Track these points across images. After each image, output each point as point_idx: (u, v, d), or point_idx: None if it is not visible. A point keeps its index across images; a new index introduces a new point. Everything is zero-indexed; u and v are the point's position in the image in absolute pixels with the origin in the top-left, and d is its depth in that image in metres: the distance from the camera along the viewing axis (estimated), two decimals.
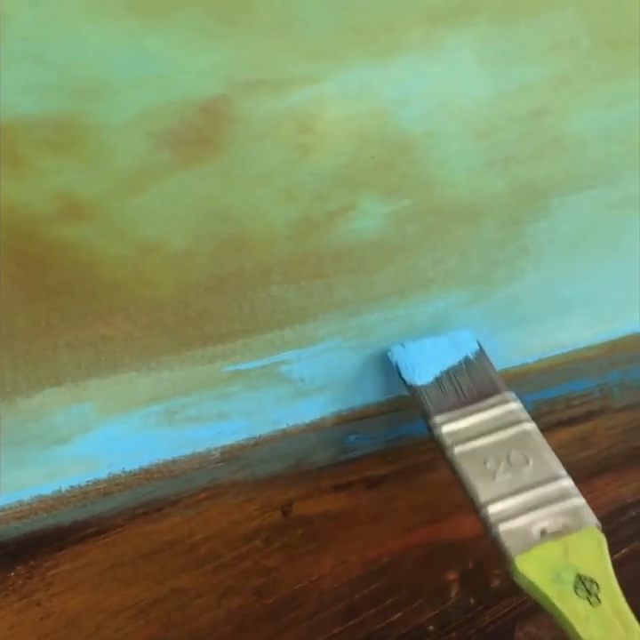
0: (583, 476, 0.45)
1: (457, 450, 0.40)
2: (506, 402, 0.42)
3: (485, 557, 0.45)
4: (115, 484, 0.42)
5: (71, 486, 0.42)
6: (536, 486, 0.39)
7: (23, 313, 0.38)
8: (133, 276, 0.39)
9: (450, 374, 0.43)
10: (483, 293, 0.45)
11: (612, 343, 0.48)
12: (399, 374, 0.43)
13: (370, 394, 0.45)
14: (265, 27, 0.36)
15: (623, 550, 0.46)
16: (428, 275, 0.44)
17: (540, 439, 0.40)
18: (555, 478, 0.39)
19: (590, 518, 0.38)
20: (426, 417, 0.41)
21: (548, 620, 0.43)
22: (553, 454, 0.40)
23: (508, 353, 0.46)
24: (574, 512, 0.38)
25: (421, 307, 0.44)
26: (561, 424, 0.49)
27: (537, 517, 0.38)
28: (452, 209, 0.43)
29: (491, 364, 0.43)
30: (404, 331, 0.45)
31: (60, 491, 0.41)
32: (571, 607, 0.35)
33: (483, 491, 0.39)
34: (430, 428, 0.41)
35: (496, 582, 0.45)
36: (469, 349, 0.44)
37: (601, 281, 0.47)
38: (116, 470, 0.42)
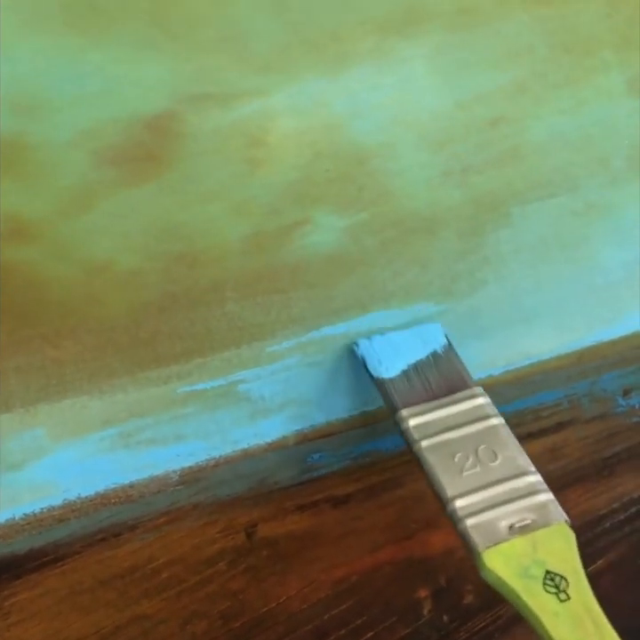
0: (555, 487, 0.45)
1: (424, 444, 0.40)
2: (474, 396, 0.41)
3: (457, 573, 0.45)
4: (70, 511, 0.41)
5: (25, 514, 0.41)
6: (504, 481, 0.38)
7: None
8: (82, 297, 0.38)
9: (417, 368, 0.42)
10: (445, 306, 0.45)
11: (579, 353, 0.47)
12: (365, 368, 0.42)
13: (332, 410, 0.44)
14: (210, 40, 0.35)
15: (599, 562, 0.45)
16: (389, 288, 0.43)
17: (508, 434, 0.40)
18: (523, 474, 0.39)
19: (559, 514, 0.38)
20: (393, 410, 0.41)
21: (523, 636, 0.43)
22: (521, 450, 0.40)
23: (473, 365, 0.45)
24: (542, 507, 0.38)
25: (382, 320, 0.44)
26: (531, 436, 0.49)
27: (505, 512, 0.37)
28: (411, 221, 0.42)
29: (459, 358, 0.43)
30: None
31: (13, 519, 0.41)
32: (539, 603, 0.35)
33: (450, 485, 0.38)
34: (397, 422, 0.41)
35: (469, 598, 0.45)
36: (438, 343, 0.43)
37: (566, 290, 0.46)
38: (72, 496, 0.41)
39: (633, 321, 0.47)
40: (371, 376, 0.42)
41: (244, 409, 0.43)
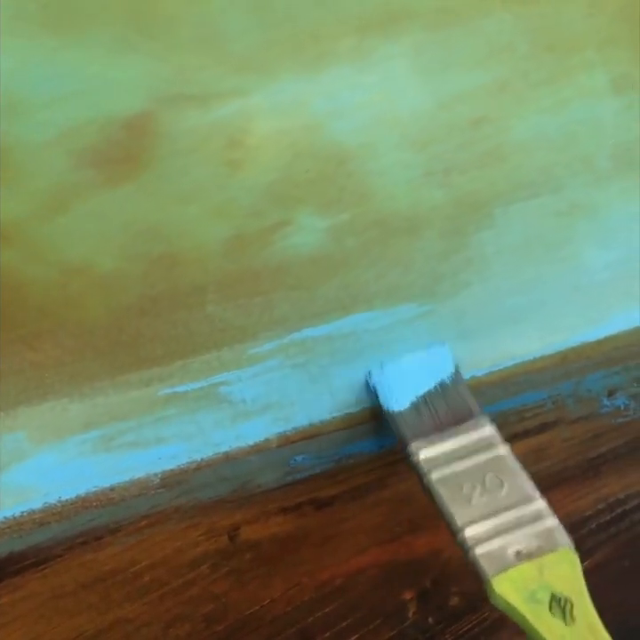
0: (540, 489, 0.45)
1: (434, 475, 0.40)
2: (481, 426, 0.42)
3: (443, 575, 0.45)
4: (51, 514, 0.41)
5: (5, 517, 0.40)
6: (511, 508, 0.39)
7: None
8: (61, 300, 0.38)
9: (426, 399, 0.43)
10: (428, 307, 0.44)
11: (564, 354, 0.47)
12: (377, 399, 0.43)
13: (315, 412, 0.44)
14: (187, 39, 0.35)
15: (585, 563, 0.45)
16: (371, 289, 0.43)
17: (513, 463, 0.41)
18: (529, 500, 0.40)
19: (564, 539, 0.39)
20: (403, 443, 0.42)
21: (508, 638, 0.43)
22: (527, 477, 0.41)
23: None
24: (548, 533, 0.39)
25: (365, 322, 0.44)
26: (515, 437, 0.48)
27: (512, 539, 0.38)
28: (393, 221, 0.42)
29: (466, 386, 0.43)
30: (347, 346, 0.44)
31: None
32: (547, 626, 0.36)
33: (459, 514, 0.39)
34: (408, 455, 0.41)
35: (454, 600, 0.45)
36: (446, 371, 0.44)
37: (549, 290, 0.46)
38: (52, 500, 0.41)
39: (617, 321, 0.47)
40: (381, 408, 0.43)
41: (226, 411, 0.43)
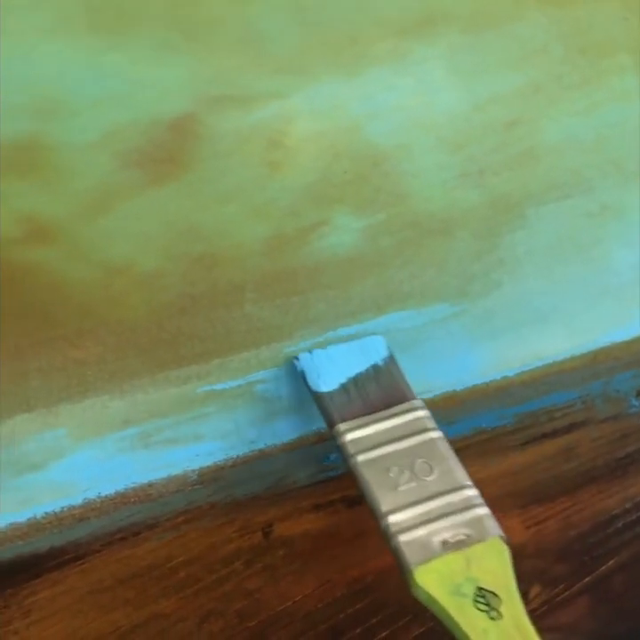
0: (568, 488, 0.45)
1: (360, 458, 0.39)
2: (413, 409, 0.40)
3: None
4: (90, 510, 0.41)
5: (46, 513, 0.41)
6: (439, 496, 0.38)
7: None
8: (103, 299, 0.38)
9: (357, 381, 0.41)
10: (460, 306, 0.45)
11: (593, 354, 0.47)
12: (305, 382, 0.42)
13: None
14: (230, 41, 0.35)
15: (610, 562, 0.45)
16: (405, 289, 0.44)
17: (446, 448, 0.39)
18: (459, 487, 0.38)
19: (494, 529, 0.37)
20: (330, 425, 0.40)
21: None
22: (459, 463, 0.39)
23: (488, 366, 0.46)
24: (478, 522, 0.37)
25: (398, 321, 0.44)
26: (544, 437, 0.49)
27: (439, 528, 0.37)
28: (427, 222, 0.43)
29: (400, 370, 0.42)
30: None
31: (35, 517, 0.41)
32: (469, 621, 0.34)
33: (384, 500, 0.37)
34: (334, 436, 0.40)
35: None
36: (379, 356, 0.42)
37: (580, 291, 0.46)
38: (92, 495, 0.41)
39: None
40: (309, 390, 0.41)
41: (262, 409, 0.43)
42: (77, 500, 0.41)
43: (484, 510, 0.37)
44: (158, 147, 0.36)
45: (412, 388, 0.41)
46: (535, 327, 0.46)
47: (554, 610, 0.44)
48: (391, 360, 0.42)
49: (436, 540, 0.36)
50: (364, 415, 0.40)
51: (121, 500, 0.42)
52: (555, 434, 0.49)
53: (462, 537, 0.36)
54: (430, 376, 0.45)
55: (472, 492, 0.38)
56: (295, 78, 0.37)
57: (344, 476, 0.46)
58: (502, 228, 0.44)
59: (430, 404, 0.45)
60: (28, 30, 0.33)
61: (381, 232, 0.42)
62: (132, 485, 0.42)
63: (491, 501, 0.43)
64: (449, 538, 0.36)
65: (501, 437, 0.48)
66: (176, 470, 0.43)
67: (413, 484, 0.38)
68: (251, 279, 0.40)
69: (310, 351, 0.42)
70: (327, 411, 0.41)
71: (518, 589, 0.35)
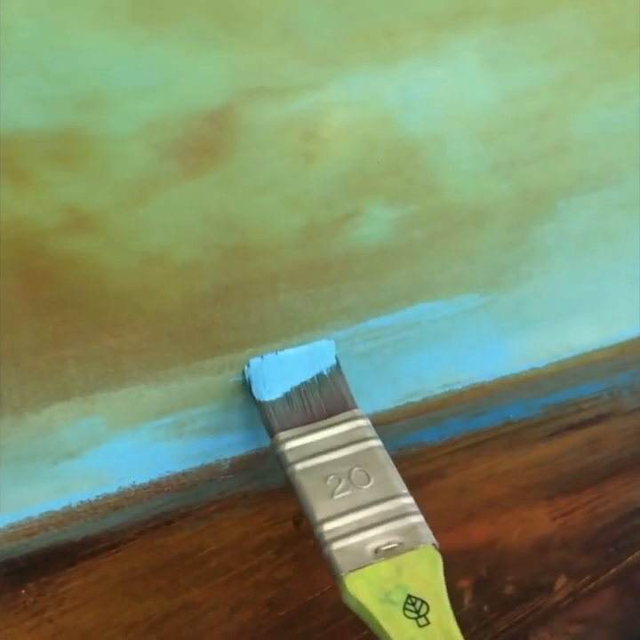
0: (594, 479, 0.45)
1: (298, 467, 0.39)
2: (354, 418, 0.41)
3: (498, 564, 0.45)
4: (125, 498, 0.42)
5: (81, 501, 0.41)
6: (375, 504, 0.38)
7: (29, 327, 0.38)
8: (140, 288, 0.39)
9: (300, 390, 0.42)
10: (490, 297, 0.45)
11: (621, 346, 0.48)
12: (249, 391, 0.42)
13: (378, 401, 0.45)
14: (269, 33, 0.36)
15: (636, 553, 0.45)
16: (436, 280, 0.44)
17: (384, 456, 0.40)
18: (395, 496, 0.38)
19: (427, 537, 0.37)
20: (270, 433, 0.40)
21: (562, 627, 0.43)
22: (396, 472, 0.39)
23: (517, 358, 0.46)
24: (411, 530, 0.37)
25: (429, 312, 0.44)
26: (571, 428, 0.49)
27: (373, 536, 0.37)
28: (459, 213, 0.43)
29: (344, 379, 0.42)
30: (411, 336, 0.44)
31: (70, 506, 0.41)
32: (397, 629, 0.34)
33: (320, 509, 0.38)
34: (273, 445, 0.40)
35: (509, 589, 0.45)
36: (326, 364, 0.43)
37: (609, 283, 0.47)
38: (126, 484, 0.42)
39: None
40: (253, 399, 0.42)
41: None
42: (112, 488, 0.41)
43: (417, 518, 0.38)
44: (196, 138, 0.36)
45: (354, 398, 0.42)
46: (564, 318, 0.46)
47: (580, 601, 0.44)
48: (337, 369, 0.42)
49: (369, 547, 0.37)
50: (304, 424, 0.40)
51: (155, 489, 0.42)
52: (582, 425, 0.49)
53: (395, 545, 0.37)
54: (459, 367, 0.46)
55: (407, 500, 0.38)
56: (331, 70, 0.37)
57: None
58: (533, 219, 0.44)
59: (458, 396, 0.46)
60: (71, 21, 0.33)
61: (414, 223, 0.42)
62: (166, 474, 0.42)
63: (517, 493, 0.43)
64: (382, 546, 0.37)
65: (529, 429, 0.48)
66: (209, 459, 0.43)
67: (349, 493, 0.38)
68: (284, 269, 0.41)
69: (261, 356, 0.42)
70: (268, 420, 0.41)
71: (448, 597, 0.36)
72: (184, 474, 0.42)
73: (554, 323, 0.46)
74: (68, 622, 0.41)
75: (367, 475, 0.39)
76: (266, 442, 0.43)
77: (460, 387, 0.45)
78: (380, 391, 0.45)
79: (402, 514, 0.38)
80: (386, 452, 0.40)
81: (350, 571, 0.36)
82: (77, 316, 0.38)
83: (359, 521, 0.37)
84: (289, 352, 0.42)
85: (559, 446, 0.48)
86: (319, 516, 0.38)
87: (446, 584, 0.44)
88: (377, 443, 0.40)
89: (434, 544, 0.37)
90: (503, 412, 0.48)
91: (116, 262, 0.38)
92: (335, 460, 0.39)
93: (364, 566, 0.36)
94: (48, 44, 0.33)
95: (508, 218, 0.44)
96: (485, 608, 0.44)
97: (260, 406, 0.41)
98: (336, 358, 0.43)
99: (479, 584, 0.45)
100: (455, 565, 0.45)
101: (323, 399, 0.41)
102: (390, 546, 0.37)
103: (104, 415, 0.40)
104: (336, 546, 0.37)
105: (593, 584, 0.44)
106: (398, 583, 0.35)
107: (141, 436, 0.41)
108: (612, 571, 0.45)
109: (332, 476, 0.39)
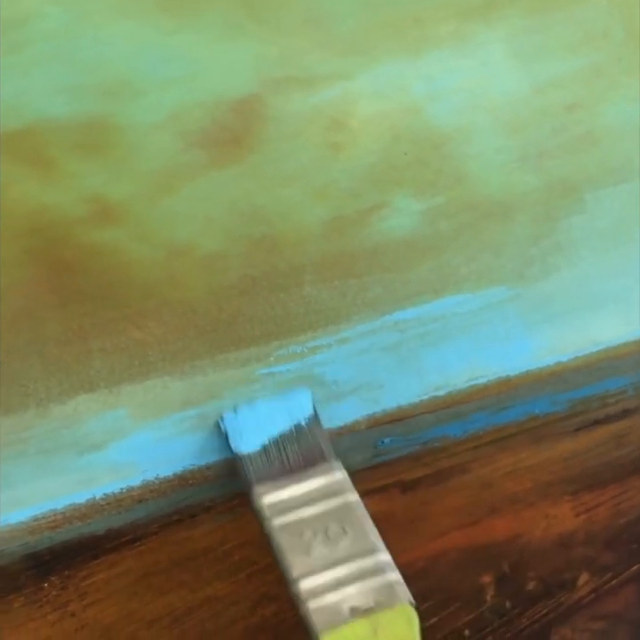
0: (619, 475, 0.45)
1: (276, 522, 0.39)
2: (331, 471, 0.40)
3: (520, 560, 0.45)
4: (149, 491, 0.41)
5: (105, 494, 0.41)
6: (351, 560, 0.37)
7: (55, 318, 0.38)
8: (165, 279, 0.39)
9: (278, 442, 0.41)
10: (516, 290, 0.45)
11: None
12: (227, 443, 0.41)
13: (403, 395, 0.45)
14: (295, 22, 0.36)
15: None
16: (462, 272, 0.44)
17: (361, 510, 0.39)
18: (371, 552, 0.38)
19: (403, 594, 0.37)
20: (248, 487, 0.40)
21: (584, 623, 0.43)
22: (373, 526, 0.39)
23: (543, 352, 0.46)
24: (387, 588, 0.37)
25: (455, 305, 0.44)
26: (597, 423, 0.48)
27: (349, 593, 0.36)
28: (486, 205, 0.43)
29: (322, 429, 0.42)
30: (437, 329, 0.44)
31: (94, 499, 0.41)
32: None
33: (296, 565, 0.37)
34: (251, 500, 0.40)
35: (531, 585, 0.45)
36: (303, 414, 0.42)
37: (635, 276, 0.46)
38: (150, 477, 0.41)
39: None
40: (231, 450, 0.41)
41: (318, 392, 0.43)
42: (136, 481, 0.41)
43: (394, 575, 0.37)
44: (222, 128, 0.36)
45: (331, 449, 0.41)
46: (591, 312, 0.46)
47: (602, 597, 0.44)
48: (314, 419, 0.42)
49: (346, 606, 0.36)
50: (281, 476, 0.40)
51: (179, 482, 0.42)
52: (607, 420, 0.49)
53: (371, 603, 0.36)
54: (484, 361, 0.45)
55: (384, 557, 0.38)
56: (358, 59, 0.37)
57: (398, 460, 0.46)
58: (560, 211, 0.44)
59: (483, 389, 0.45)
60: (97, 10, 0.33)
61: (440, 215, 0.42)
62: (190, 467, 0.42)
63: (541, 488, 0.43)
64: (358, 604, 0.36)
65: (554, 423, 0.48)
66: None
67: (326, 549, 0.38)
68: (310, 261, 0.41)
69: (235, 410, 0.42)
70: (245, 473, 0.40)
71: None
72: (208, 467, 0.42)
73: (580, 316, 0.46)
74: (90, 616, 0.41)
75: (344, 529, 0.38)
76: None
77: (484, 380, 0.45)
78: (404, 384, 0.44)
79: (378, 570, 0.37)
80: (363, 505, 0.39)
81: (326, 629, 0.35)
82: (103, 307, 0.38)
83: (335, 578, 0.37)
84: (265, 402, 0.42)
85: (584, 441, 0.48)
86: (295, 573, 0.37)
87: (468, 579, 0.44)
88: (354, 496, 0.39)
89: (411, 602, 0.37)
90: (528, 407, 0.47)
91: (141, 253, 0.38)
92: (312, 516, 0.39)
93: (340, 625, 0.36)
94: (74, 33, 0.33)
95: (534, 210, 0.43)
96: (507, 604, 0.44)
97: (237, 459, 0.41)
98: (314, 408, 0.42)
99: (501, 580, 0.45)
100: (477, 561, 0.45)
101: (300, 450, 0.41)
102: (367, 604, 0.36)
103: (129, 407, 0.40)
104: (312, 604, 0.36)
105: (615, 581, 0.44)
106: None
107: (166, 428, 0.41)
108: (635, 567, 0.44)
109: (308, 531, 0.38)
